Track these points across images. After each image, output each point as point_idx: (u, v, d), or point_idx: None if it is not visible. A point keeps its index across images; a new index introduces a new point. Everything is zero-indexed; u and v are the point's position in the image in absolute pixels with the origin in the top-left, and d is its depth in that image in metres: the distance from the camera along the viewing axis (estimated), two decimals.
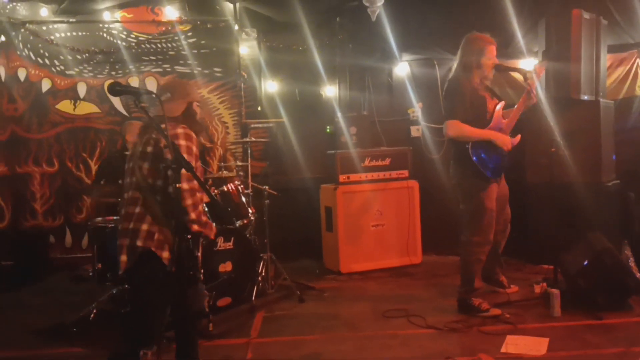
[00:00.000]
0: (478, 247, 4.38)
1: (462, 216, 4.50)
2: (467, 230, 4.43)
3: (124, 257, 2.77)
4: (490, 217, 4.34)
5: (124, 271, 2.80)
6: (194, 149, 2.83)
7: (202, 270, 4.40)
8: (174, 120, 2.91)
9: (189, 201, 2.70)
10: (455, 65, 4.44)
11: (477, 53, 4.33)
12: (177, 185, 2.52)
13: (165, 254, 2.73)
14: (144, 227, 2.74)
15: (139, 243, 2.72)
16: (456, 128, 4.26)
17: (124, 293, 4.44)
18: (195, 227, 2.75)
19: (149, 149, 2.82)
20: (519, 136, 4.47)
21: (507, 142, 4.36)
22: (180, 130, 2.84)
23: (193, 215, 2.72)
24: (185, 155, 2.66)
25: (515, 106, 4.47)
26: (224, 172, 5.54)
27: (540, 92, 4.48)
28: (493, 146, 4.32)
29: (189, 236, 2.70)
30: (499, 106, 4.39)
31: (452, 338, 3.93)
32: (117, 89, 2.57)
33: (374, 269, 5.85)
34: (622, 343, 3.68)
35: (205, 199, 2.96)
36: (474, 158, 4.25)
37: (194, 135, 2.88)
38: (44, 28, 6.42)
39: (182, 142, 2.79)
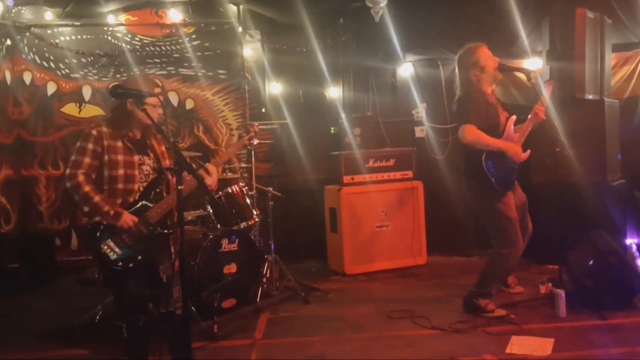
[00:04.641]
0: (507, 259, 4.32)
1: (487, 229, 4.44)
2: (495, 242, 4.36)
3: None
4: (514, 226, 4.28)
5: None
6: (89, 146, 3.07)
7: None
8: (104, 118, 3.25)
9: (75, 197, 3.06)
10: (458, 84, 4.39)
11: (473, 59, 4.27)
12: (179, 187, 2.53)
13: None
14: None
15: None
16: (473, 134, 4.14)
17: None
18: (97, 219, 3.06)
19: None
20: (528, 152, 4.35)
21: (519, 153, 4.26)
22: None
23: (86, 209, 3.05)
24: (72, 156, 3.07)
25: (526, 121, 4.38)
26: (229, 173, 5.56)
27: (544, 92, 4.45)
28: (503, 158, 4.23)
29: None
30: (512, 118, 4.31)
31: (457, 339, 3.92)
32: (119, 92, 2.58)
33: (379, 270, 5.84)
34: (628, 343, 3.66)
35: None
36: (487, 170, 4.16)
37: (92, 132, 3.08)
38: (49, 32, 6.45)
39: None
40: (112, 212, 3.03)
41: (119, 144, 3.12)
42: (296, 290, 5.08)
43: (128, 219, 3.07)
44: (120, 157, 3.12)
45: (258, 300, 4.78)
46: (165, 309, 3.14)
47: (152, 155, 3.24)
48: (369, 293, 5.24)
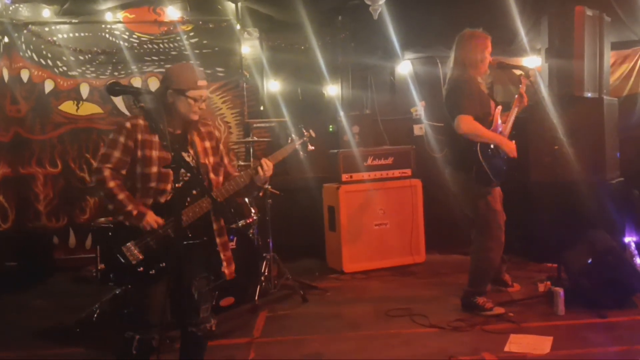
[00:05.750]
0: (492, 253, 4.31)
1: (472, 222, 4.43)
2: (480, 236, 4.34)
3: None
4: (500, 219, 4.30)
5: None
6: (120, 139, 2.81)
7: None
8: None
9: (101, 193, 2.86)
10: (452, 64, 4.32)
11: (481, 49, 4.23)
12: (177, 185, 2.51)
13: None
14: None
15: None
16: (470, 124, 4.07)
17: (126, 294, 4.43)
18: (120, 218, 2.83)
19: None
20: (513, 142, 4.33)
21: (513, 149, 4.24)
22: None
23: (110, 206, 2.85)
24: (102, 149, 2.84)
25: (511, 110, 4.36)
26: None
27: (543, 90, 4.43)
28: (497, 149, 4.21)
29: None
30: (498, 108, 4.30)
31: (456, 337, 3.92)
32: (116, 89, 2.56)
33: (377, 268, 5.83)
34: (626, 341, 3.66)
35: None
36: (483, 161, 4.11)
37: (125, 124, 2.83)
38: (47, 29, 6.42)
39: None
40: (135, 212, 2.77)
41: (155, 138, 2.83)
42: (294, 289, 5.07)
43: (152, 220, 2.79)
44: (154, 153, 2.83)
45: (256, 298, 4.77)
46: (186, 328, 2.96)
47: (191, 152, 2.94)
48: (367, 291, 5.23)
